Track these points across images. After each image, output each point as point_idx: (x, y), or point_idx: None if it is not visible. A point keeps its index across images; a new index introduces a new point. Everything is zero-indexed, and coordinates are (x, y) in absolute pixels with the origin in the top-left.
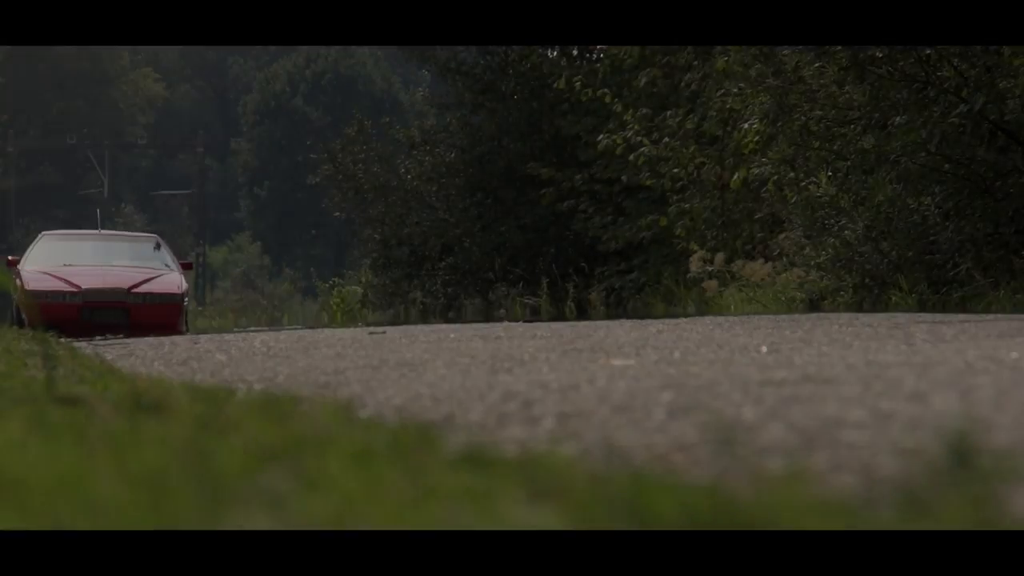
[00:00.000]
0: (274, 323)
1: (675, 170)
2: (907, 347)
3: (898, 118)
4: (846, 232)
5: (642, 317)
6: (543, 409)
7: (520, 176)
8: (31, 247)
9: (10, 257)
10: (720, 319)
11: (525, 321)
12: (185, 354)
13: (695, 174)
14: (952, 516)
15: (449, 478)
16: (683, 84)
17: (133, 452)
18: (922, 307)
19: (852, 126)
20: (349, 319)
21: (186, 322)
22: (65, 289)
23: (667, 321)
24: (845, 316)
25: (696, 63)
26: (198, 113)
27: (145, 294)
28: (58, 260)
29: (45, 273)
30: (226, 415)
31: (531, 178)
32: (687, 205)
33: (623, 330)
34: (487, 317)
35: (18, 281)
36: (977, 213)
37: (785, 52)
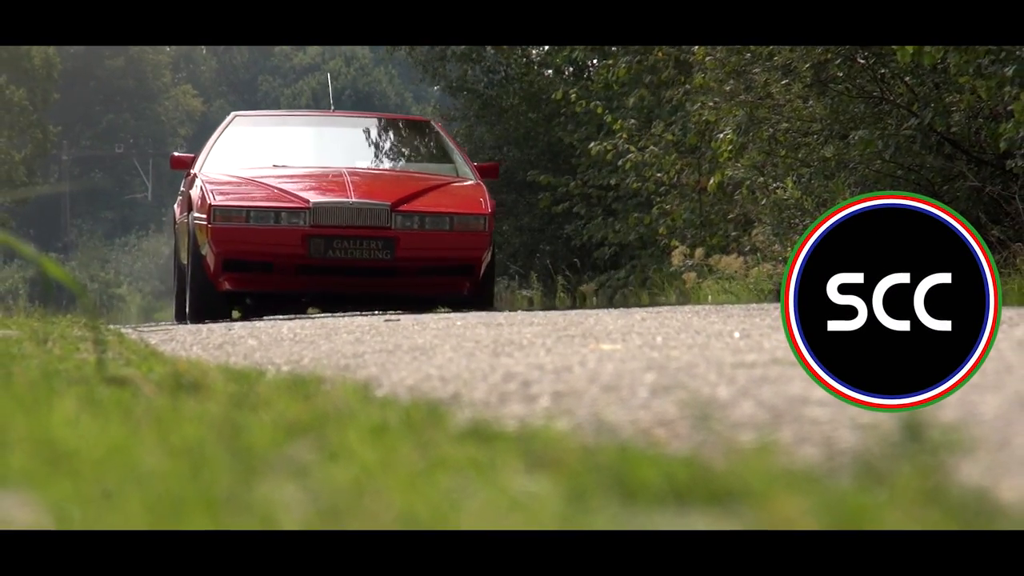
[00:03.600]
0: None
1: (658, 175)
2: None
3: (858, 133)
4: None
5: (628, 306)
6: (540, 388)
7: (519, 181)
8: (215, 136)
9: (176, 154)
10: (698, 308)
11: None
12: (220, 339)
13: (676, 179)
14: (905, 484)
15: (456, 450)
16: (665, 99)
17: (174, 427)
18: None
19: (815, 136)
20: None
21: (492, 276)
22: (280, 205)
23: (650, 310)
24: None
25: (679, 79)
26: None
27: (422, 215)
28: (262, 158)
29: (241, 180)
30: (257, 394)
31: (529, 183)
32: (668, 206)
33: (611, 318)
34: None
35: (191, 200)
36: None
37: (756, 71)
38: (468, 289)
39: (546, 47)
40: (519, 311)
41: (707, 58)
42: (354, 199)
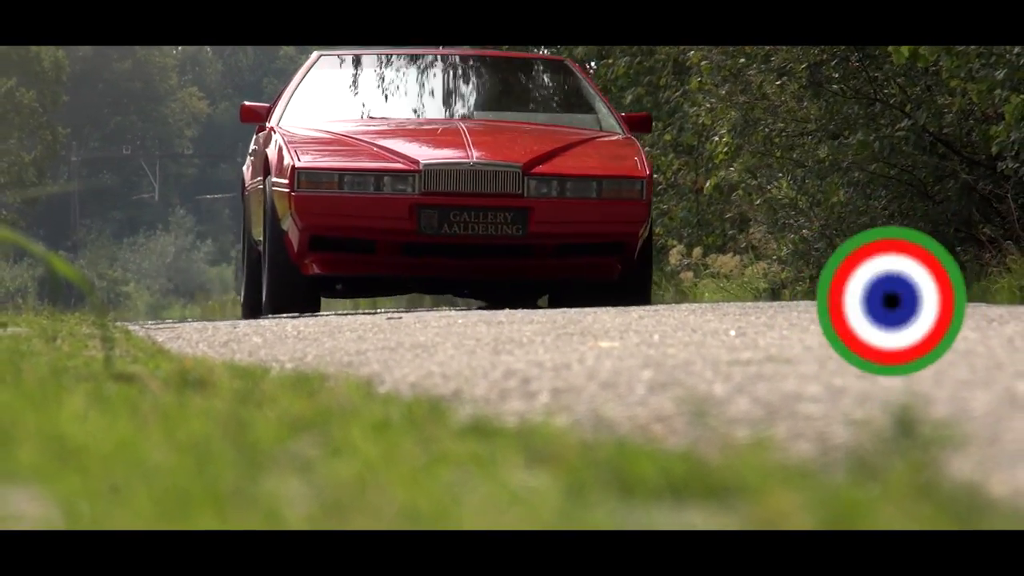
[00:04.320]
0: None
1: (656, 175)
2: None
3: (854, 136)
4: (804, 230)
5: (626, 305)
6: (539, 385)
7: None
8: (295, 81)
9: (247, 103)
10: (694, 306)
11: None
12: (226, 337)
13: (673, 179)
14: (897, 478)
15: (457, 445)
16: (663, 100)
17: (180, 423)
18: None
19: (809, 137)
20: (370, 306)
21: (649, 258)
22: (382, 167)
23: (648, 308)
24: (803, 303)
25: (674, 83)
26: (237, 127)
27: (562, 179)
28: (355, 107)
29: (330, 135)
30: (262, 390)
31: None
32: (665, 206)
33: (609, 316)
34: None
35: (267, 161)
36: (919, 214)
37: (751, 72)
38: (619, 273)
39: (545, 47)
40: (519, 309)
41: (703, 62)
42: (476, 159)
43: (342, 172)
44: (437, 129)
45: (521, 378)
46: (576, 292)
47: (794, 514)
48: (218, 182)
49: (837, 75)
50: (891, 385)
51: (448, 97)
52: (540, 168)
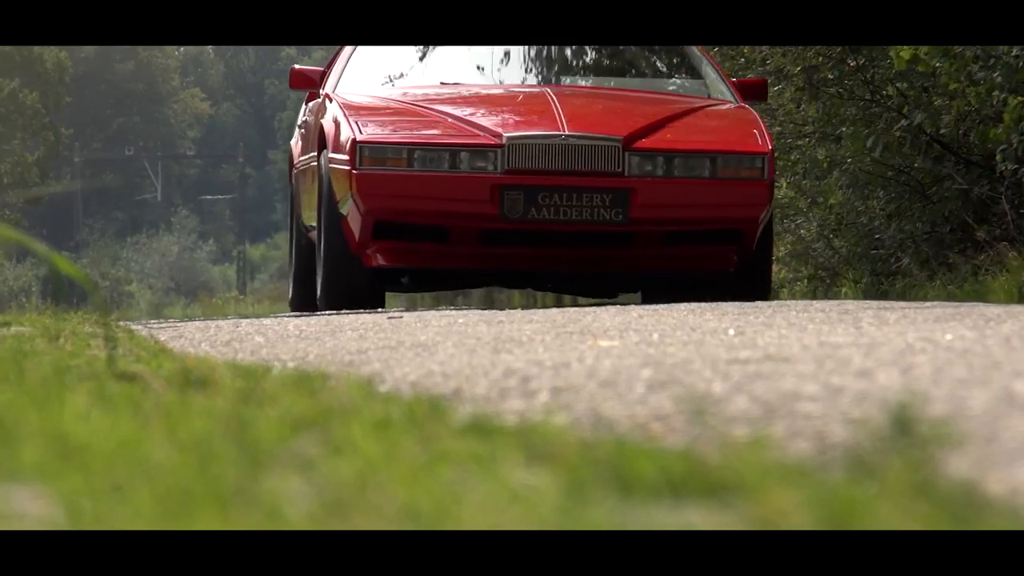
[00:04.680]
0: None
1: None
2: (855, 330)
3: (848, 130)
4: (802, 230)
5: (625, 304)
6: (539, 384)
7: None
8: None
9: (296, 67)
10: (693, 305)
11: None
12: (228, 336)
13: None
14: (895, 477)
15: (457, 444)
16: None
17: (183, 421)
18: (868, 295)
19: (807, 139)
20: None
21: (769, 247)
22: (458, 141)
23: (647, 307)
24: (801, 303)
25: None
26: (239, 128)
27: (669, 155)
28: (424, 71)
29: (396, 104)
30: (264, 389)
31: None
32: None
33: (608, 315)
34: (490, 305)
35: (323, 133)
36: (916, 214)
37: (749, 76)
38: (735, 265)
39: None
40: (519, 308)
41: None
42: (568, 131)
43: (412, 146)
44: (521, 97)
45: (521, 377)
46: (682, 287)
47: (792, 512)
48: (220, 182)
49: (833, 76)
50: (889, 384)
51: (534, 61)
52: (643, 142)
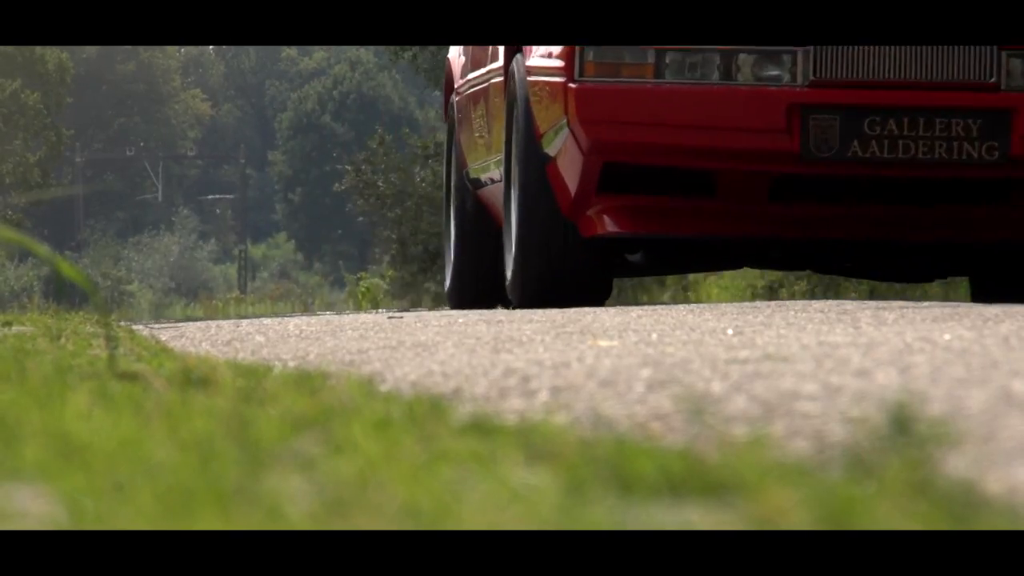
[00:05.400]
0: (307, 309)
1: None
2: (854, 330)
3: None
4: None
5: (624, 304)
6: (539, 384)
7: None
8: None
9: None
10: (692, 305)
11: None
12: (229, 336)
13: None
14: (893, 476)
15: (457, 443)
16: None
17: (184, 421)
18: (866, 295)
19: None
20: (372, 306)
21: None
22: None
23: (646, 307)
24: (800, 303)
25: None
26: (240, 129)
27: None
28: None
29: None
30: (264, 389)
31: None
32: None
33: (608, 315)
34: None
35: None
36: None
37: None
38: None
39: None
40: (518, 308)
41: None
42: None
43: (660, 47)
44: None
45: (521, 376)
46: None
47: (791, 510)
48: (220, 183)
49: None
50: (887, 383)
51: None
52: None
